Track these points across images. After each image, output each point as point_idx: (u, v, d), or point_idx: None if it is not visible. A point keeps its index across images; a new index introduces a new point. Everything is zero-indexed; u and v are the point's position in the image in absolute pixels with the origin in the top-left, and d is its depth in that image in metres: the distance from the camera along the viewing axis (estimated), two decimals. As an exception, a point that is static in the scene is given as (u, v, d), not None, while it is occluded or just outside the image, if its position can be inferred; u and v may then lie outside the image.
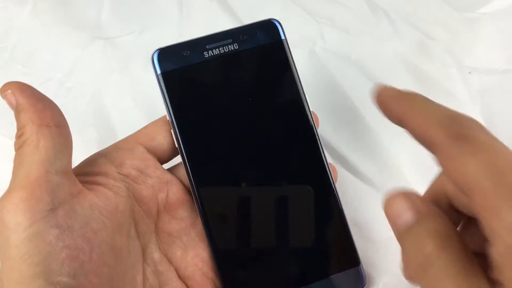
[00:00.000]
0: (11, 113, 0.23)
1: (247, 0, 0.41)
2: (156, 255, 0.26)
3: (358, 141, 0.35)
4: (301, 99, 0.27)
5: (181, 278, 0.26)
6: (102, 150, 0.26)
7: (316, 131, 0.27)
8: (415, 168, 0.34)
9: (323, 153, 0.27)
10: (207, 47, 0.27)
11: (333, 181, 0.27)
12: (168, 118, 0.26)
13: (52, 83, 0.38)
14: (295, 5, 0.41)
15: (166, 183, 0.27)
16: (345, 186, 0.34)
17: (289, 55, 0.28)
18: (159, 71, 0.27)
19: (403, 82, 0.38)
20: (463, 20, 0.40)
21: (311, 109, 0.28)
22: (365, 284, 0.26)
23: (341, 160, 0.35)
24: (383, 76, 0.38)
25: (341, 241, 0.27)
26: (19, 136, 0.22)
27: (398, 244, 0.31)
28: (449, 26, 0.40)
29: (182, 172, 0.27)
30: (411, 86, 0.38)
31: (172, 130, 0.26)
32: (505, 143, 0.34)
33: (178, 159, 0.29)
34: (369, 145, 0.35)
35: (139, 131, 0.27)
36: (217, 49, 0.27)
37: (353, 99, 0.37)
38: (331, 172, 0.27)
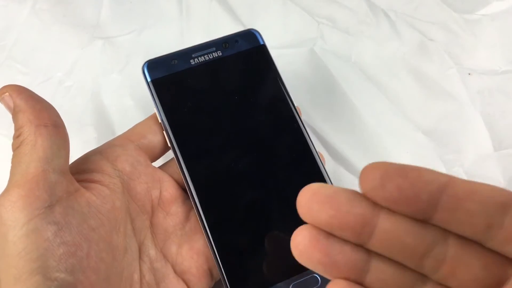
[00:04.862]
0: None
1: (247, 0, 0.41)
2: (152, 252, 0.26)
3: (358, 141, 0.35)
4: (284, 94, 0.29)
5: (177, 273, 0.26)
6: (96, 148, 0.27)
7: (301, 120, 0.29)
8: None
9: (311, 140, 0.29)
10: (193, 55, 0.29)
11: (322, 164, 0.28)
12: (159, 120, 0.28)
13: (51, 82, 0.38)
14: (295, 5, 0.41)
15: (158, 180, 0.27)
16: (345, 185, 0.34)
17: (269, 56, 0.30)
18: (149, 79, 0.29)
19: (403, 83, 0.38)
20: (463, 21, 0.40)
21: (295, 103, 0.29)
22: None
23: (340, 160, 0.35)
24: (383, 77, 0.38)
25: None
26: (17, 136, 0.22)
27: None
28: (449, 27, 0.40)
29: (172, 169, 0.28)
30: (411, 87, 0.38)
31: (164, 132, 0.28)
32: (506, 144, 0.34)
33: (165, 158, 0.29)
34: (369, 145, 0.35)
35: (129, 130, 0.28)
36: (202, 57, 0.29)
37: (353, 99, 0.37)
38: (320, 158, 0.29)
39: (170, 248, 0.26)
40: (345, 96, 0.37)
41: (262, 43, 0.30)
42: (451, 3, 0.41)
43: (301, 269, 0.26)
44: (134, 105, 0.37)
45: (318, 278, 0.26)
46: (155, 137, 0.28)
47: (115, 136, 0.28)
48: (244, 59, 0.30)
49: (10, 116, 0.23)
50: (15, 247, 0.20)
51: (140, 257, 0.25)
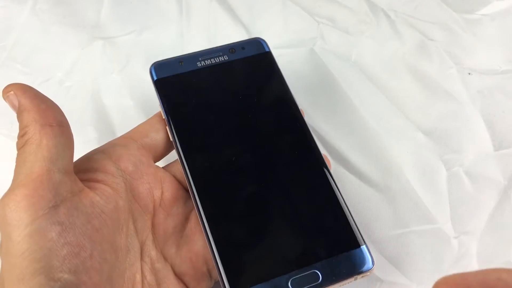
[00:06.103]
0: (11, 113, 0.23)
1: (247, 0, 0.41)
2: (153, 252, 0.26)
3: (358, 141, 0.35)
4: (288, 95, 0.30)
5: (176, 274, 0.26)
6: (98, 147, 0.27)
7: (305, 122, 0.29)
8: (415, 168, 0.34)
9: (315, 143, 0.29)
10: (199, 59, 0.31)
11: (326, 166, 0.28)
12: (164, 116, 0.28)
13: (51, 82, 0.38)
14: (295, 5, 0.41)
15: (160, 180, 0.27)
16: (345, 185, 0.34)
17: (274, 62, 0.31)
18: (155, 78, 0.30)
19: (403, 83, 0.38)
20: (463, 21, 0.40)
21: (298, 105, 0.30)
22: (372, 266, 0.26)
23: (341, 160, 0.35)
24: (383, 76, 0.38)
25: (340, 222, 0.27)
26: (21, 135, 0.22)
27: (398, 244, 0.31)
28: (449, 27, 0.40)
29: (175, 169, 0.28)
30: (411, 87, 0.38)
31: (167, 128, 0.28)
32: (506, 144, 0.34)
33: (167, 161, 0.29)
34: (369, 145, 0.35)
35: (131, 130, 0.28)
36: (208, 60, 0.31)
37: (352, 99, 0.37)
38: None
39: (170, 250, 0.26)
40: (345, 96, 0.37)
41: (267, 50, 0.31)
42: (451, 3, 0.41)
43: (300, 264, 0.26)
44: (134, 105, 0.37)
45: (319, 274, 0.26)
46: (158, 135, 0.28)
47: (116, 136, 0.28)
48: (249, 64, 0.31)
49: (10, 116, 0.23)
50: (19, 247, 0.20)
51: (141, 258, 0.25)
